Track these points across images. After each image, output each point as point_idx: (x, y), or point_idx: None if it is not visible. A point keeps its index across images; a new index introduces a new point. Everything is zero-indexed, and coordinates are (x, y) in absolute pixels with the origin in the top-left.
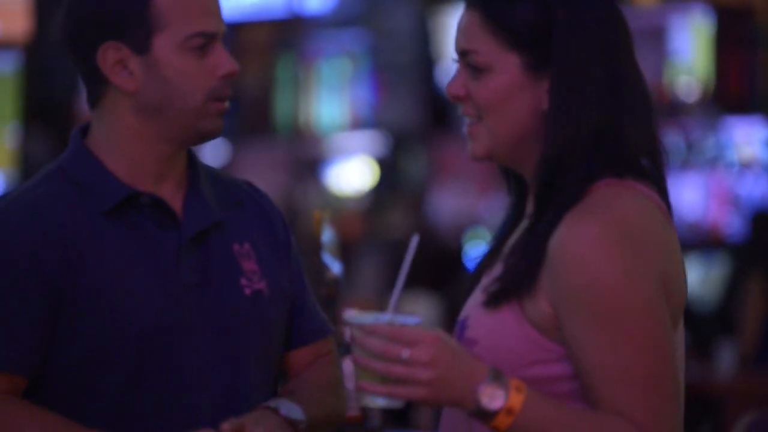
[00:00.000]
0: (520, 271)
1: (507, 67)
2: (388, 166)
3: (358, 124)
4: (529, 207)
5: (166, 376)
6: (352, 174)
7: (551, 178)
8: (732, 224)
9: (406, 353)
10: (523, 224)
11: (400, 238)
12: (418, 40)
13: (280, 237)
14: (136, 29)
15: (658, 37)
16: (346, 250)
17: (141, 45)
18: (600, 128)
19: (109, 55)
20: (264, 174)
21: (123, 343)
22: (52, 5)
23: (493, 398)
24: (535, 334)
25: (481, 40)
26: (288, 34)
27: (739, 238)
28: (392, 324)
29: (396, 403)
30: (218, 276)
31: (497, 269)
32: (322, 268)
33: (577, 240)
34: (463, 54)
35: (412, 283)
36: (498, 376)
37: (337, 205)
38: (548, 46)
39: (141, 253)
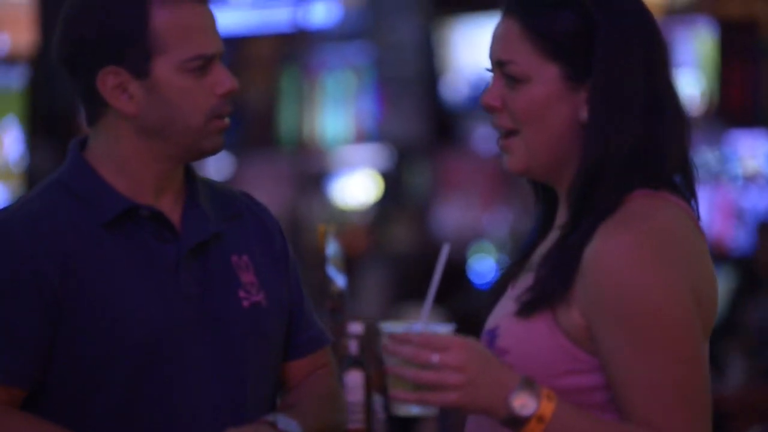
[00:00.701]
0: (553, 280)
1: (546, 77)
2: (392, 179)
3: (363, 137)
4: (560, 217)
5: (165, 388)
6: (356, 187)
7: (588, 189)
8: (737, 237)
9: (436, 358)
10: (554, 234)
11: (405, 251)
12: (422, 53)
13: (277, 248)
14: (135, 53)
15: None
16: (350, 264)
17: (140, 69)
18: (638, 141)
19: (109, 80)
20: (268, 187)
21: (122, 354)
22: (58, 18)
23: (524, 405)
24: (568, 344)
25: (520, 50)
26: (292, 48)
27: (744, 251)
28: (423, 332)
29: (430, 411)
30: (217, 288)
31: (527, 279)
32: (327, 281)
33: (612, 250)
34: (499, 64)
35: (415, 295)
36: (529, 384)
37: (341, 219)
38: (588, 56)
39: (140, 265)
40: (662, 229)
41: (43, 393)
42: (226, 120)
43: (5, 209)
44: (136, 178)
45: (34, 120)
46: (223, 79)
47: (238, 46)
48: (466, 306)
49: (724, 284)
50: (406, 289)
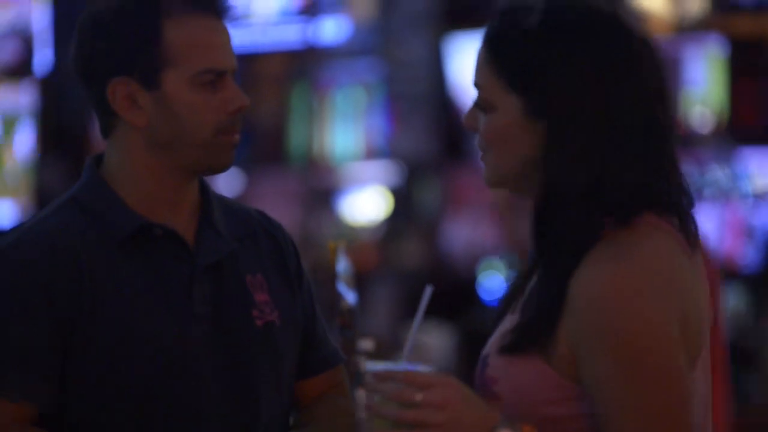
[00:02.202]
0: (537, 323)
1: (507, 107)
2: (402, 196)
3: (372, 154)
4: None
5: (178, 406)
6: (366, 204)
7: (552, 221)
8: (747, 255)
9: (418, 396)
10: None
11: (415, 268)
12: (432, 70)
13: (291, 267)
14: (146, 65)
15: (672, 68)
16: (360, 280)
17: (151, 81)
18: (599, 173)
19: (119, 90)
20: (278, 204)
21: (134, 372)
22: (69, 36)
23: None
24: (553, 373)
25: (486, 78)
26: (302, 65)
27: (754, 269)
28: (405, 370)
29: None
30: (230, 307)
31: (516, 315)
32: (337, 297)
33: (597, 280)
34: (474, 88)
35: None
36: (510, 422)
37: (351, 235)
38: (545, 91)
39: (153, 283)
40: (645, 260)
41: (58, 409)
42: (236, 137)
43: (20, 226)
44: (149, 194)
45: (44, 137)
46: (234, 96)
47: (248, 62)
48: (475, 323)
49: (733, 301)
50: (416, 306)
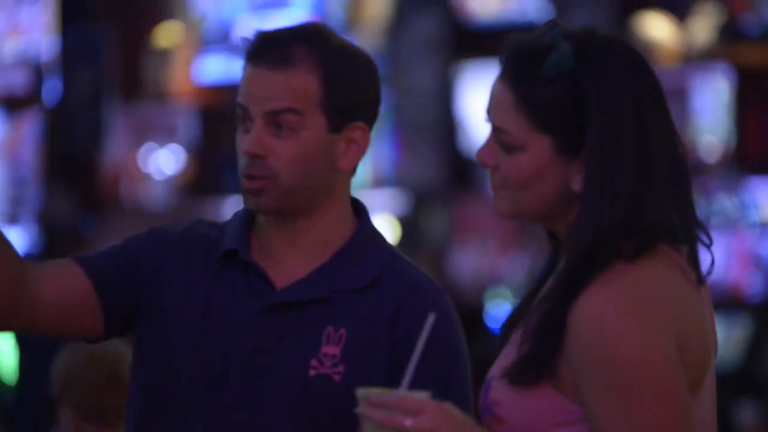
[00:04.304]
0: (540, 352)
1: (537, 147)
2: (409, 224)
3: (380, 182)
4: (552, 279)
5: (216, 429)
6: None
7: (583, 257)
8: (754, 284)
9: (408, 422)
10: (551, 282)
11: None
12: (440, 98)
13: (398, 332)
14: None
15: (680, 97)
16: None
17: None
18: (631, 208)
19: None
20: None
21: (175, 381)
22: (77, 64)
23: None
24: (557, 395)
25: (512, 120)
26: None
27: (760, 299)
28: (398, 395)
29: None
30: (287, 350)
31: (519, 338)
32: None
33: (595, 303)
34: (494, 129)
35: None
36: None
37: None
38: (580, 127)
39: (223, 307)
40: (642, 284)
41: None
42: (255, 181)
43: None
44: (260, 221)
45: (51, 165)
46: (249, 139)
47: None
48: (483, 351)
49: (740, 331)
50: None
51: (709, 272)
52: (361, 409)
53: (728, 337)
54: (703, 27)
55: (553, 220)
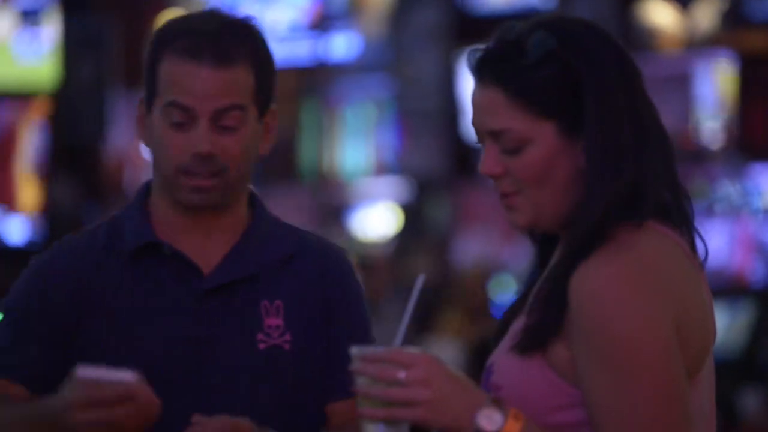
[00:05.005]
0: (544, 322)
1: (543, 135)
2: (412, 211)
3: (383, 170)
4: (557, 255)
5: (165, 427)
6: (377, 220)
7: (587, 229)
8: (757, 271)
9: (402, 374)
10: (546, 273)
11: (425, 284)
12: (443, 87)
13: (333, 297)
14: (147, 90)
15: (683, 83)
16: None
17: (149, 105)
18: (632, 180)
19: (138, 109)
20: (289, 219)
21: None
22: (79, 52)
23: (490, 421)
24: (557, 379)
25: (512, 118)
26: (313, 81)
27: (763, 285)
28: (390, 349)
29: (397, 429)
30: (231, 330)
31: (523, 319)
32: None
33: (592, 280)
34: (492, 134)
35: (437, 329)
36: (497, 402)
37: (361, 251)
38: (579, 105)
39: (153, 302)
40: (644, 260)
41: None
42: (201, 181)
43: (66, 236)
44: (165, 214)
45: (55, 154)
46: (198, 141)
47: None
48: (487, 338)
49: (743, 318)
50: (427, 322)
51: (705, 256)
52: (355, 366)
53: (731, 324)
54: (707, 13)
55: (567, 216)
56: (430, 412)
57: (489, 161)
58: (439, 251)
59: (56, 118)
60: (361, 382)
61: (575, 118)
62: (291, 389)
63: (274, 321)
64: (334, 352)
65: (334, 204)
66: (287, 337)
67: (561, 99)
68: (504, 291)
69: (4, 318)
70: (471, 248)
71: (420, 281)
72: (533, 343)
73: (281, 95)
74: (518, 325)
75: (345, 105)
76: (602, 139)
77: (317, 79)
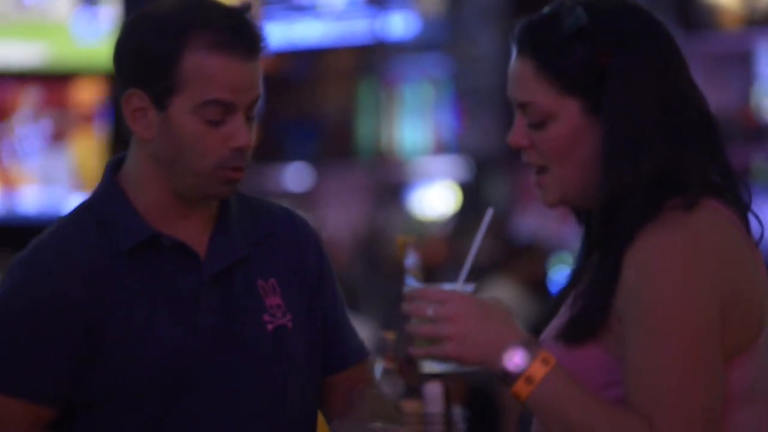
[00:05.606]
0: (593, 306)
1: (567, 112)
2: (470, 190)
3: (441, 148)
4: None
5: (190, 417)
6: (435, 198)
7: (612, 216)
8: None
9: (429, 311)
10: (596, 256)
11: (483, 262)
12: (500, 65)
13: (310, 265)
14: (159, 85)
15: (744, 61)
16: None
17: (161, 101)
18: (660, 163)
19: (133, 101)
20: (346, 199)
21: (144, 383)
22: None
23: (514, 363)
24: (605, 356)
25: (538, 90)
26: (370, 60)
27: None
28: (426, 287)
29: (447, 367)
30: (239, 314)
31: (572, 303)
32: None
33: (642, 251)
34: (521, 105)
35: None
36: (529, 344)
37: (420, 230)
38: (605, 86)
39: (160, 294)
40: (698, 237)
41: (72, 417)
42: (237, 174)
43: (41, 236)
44: (159, 203)
45: (115, 134)
46: (238, 134)
47: (316, 58)
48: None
49: None
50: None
51: (761, 234)
52: (402, 306)
53: None
54: None
55: (597, 193)
56: (458, 349)
57: (517, 133)
58: (498, 229)
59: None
60: (411, 324)
61: (601, 97)
62: (298, 368)
63: (274, 300)
64: (331, 322)
65: (392, 183)
66: (289, 316)
67: (588, 77)
68: (562, 269)
69: (1, 328)
70: (530, 226)
71: (489, 215)
72: (580, 333)
73: (338, 74)
74: (565, 310)
75: (403, 84)
76: (622, 123)
77: (375, 58)
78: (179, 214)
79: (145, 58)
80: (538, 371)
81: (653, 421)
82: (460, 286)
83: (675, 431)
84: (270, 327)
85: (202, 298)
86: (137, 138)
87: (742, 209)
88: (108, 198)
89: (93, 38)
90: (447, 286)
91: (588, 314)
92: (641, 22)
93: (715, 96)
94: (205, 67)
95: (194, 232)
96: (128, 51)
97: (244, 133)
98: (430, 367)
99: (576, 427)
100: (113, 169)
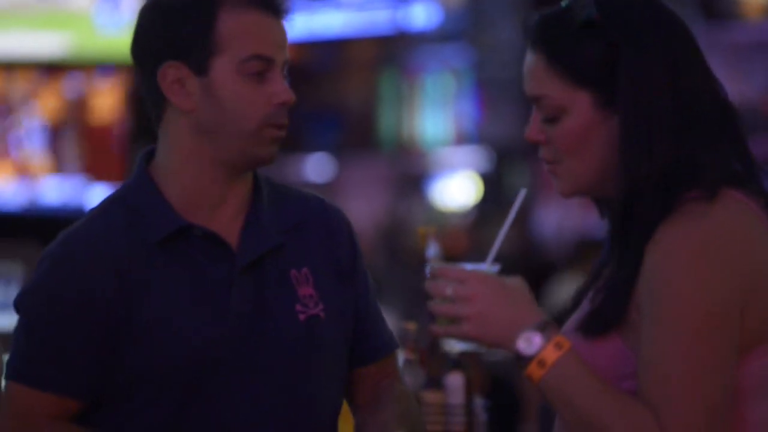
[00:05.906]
0: (614, 297)
1: (579, 106)
2: (491, 181)
3: (462, 139)
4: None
5: (220, 406)
6: (456, 189)
7: (629, 210)
8: None
9: (448, 290)
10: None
11: (505, 253)
12: (521, 55)
13: (343, 256)
14: (197, 51)
15: (766, 51)
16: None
17: (200, 66)
18: (674, 159)
19: (169, 74)
20: (368, 189)
21: (175, 373)
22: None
23: (528, 344)
24: (624, 348)
25: (550, 84)
26: (392, 50)
27: None
28: (448, 266)
29: (470, 346)
30: (272, 303)
31: (592, 296)
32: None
33: (663, 242)
34: (536, 100)
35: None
36: (545, 327)
37: (441, 220)
38: (617, 80)
39: (191, 284)
40: (719, 228)
41: (97, 407)
42: (280, 132)
43: (70, 228)
44: (193, 191)
45: (136, 124)
46: (280, 90)
47: (338, 48)
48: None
49: None
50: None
51: None
52: (425, 284)
53: None
54: None
55: (612, 185)
56: (476, 329)
57: (533, 128)
58: (519, 220)
59: (136, 89)
60: (434, 303)
61: (613, 91)
62: (329, 358)
63: (307, 290)
64: (362, 313)
65: (414, 173)
66: (321, 305)
67: (598, 71)
68: None
69: (31, 321)
70: (551, 217)
71: (521, 195)
72: (601, 325)
73: (360, 64)
74: (586, 303)
75: (424, 74)
76: (634, 116)
77: (396, 49)
78: (211, 203)
79: (178, 27)
80: (551, 355)
81: (659, 412)
82: (487, 266)
83: (678, 422)
84: (302, 317)
85: (234, 288)
86: (180, 111)
87: (765, 199)
88: (139, 189)
89: (115, 28)
90: (471, 266)
91: (608, 307)
92: (652, 13)
93: (738, 86)
94: (242, 24)
95: (226, 222)
96: (156, 26)
97: (285, 89)
98: (451, 344)
99: (584, 413)
100: (145, 160)
